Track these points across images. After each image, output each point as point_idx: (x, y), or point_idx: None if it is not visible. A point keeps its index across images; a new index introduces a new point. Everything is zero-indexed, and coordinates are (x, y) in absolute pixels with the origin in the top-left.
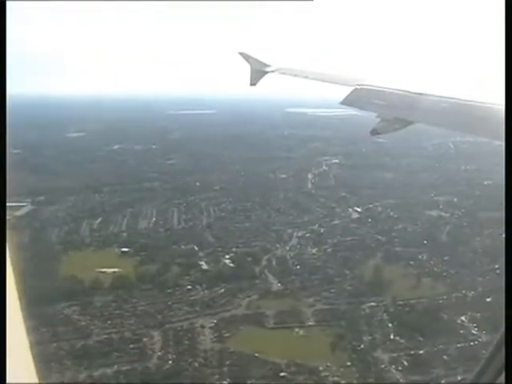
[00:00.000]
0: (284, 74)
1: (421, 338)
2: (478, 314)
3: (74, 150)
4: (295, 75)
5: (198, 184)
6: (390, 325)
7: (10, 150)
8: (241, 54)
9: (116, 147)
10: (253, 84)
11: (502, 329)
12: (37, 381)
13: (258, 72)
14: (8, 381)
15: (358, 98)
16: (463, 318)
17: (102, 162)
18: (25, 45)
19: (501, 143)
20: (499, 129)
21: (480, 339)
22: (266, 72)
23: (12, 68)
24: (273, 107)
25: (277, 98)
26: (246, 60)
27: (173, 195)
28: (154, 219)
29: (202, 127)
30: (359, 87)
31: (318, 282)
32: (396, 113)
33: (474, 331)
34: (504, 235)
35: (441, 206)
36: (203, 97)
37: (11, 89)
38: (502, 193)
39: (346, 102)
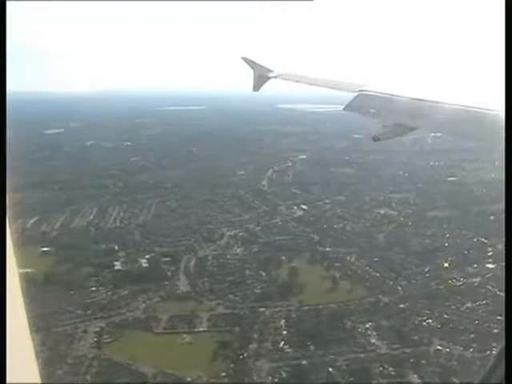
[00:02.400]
0: (287, 79)
1: (312, 347)
2: (385, 322)
3: (45, 147)
4: (298, 81)
5: (151, 181)
6: (284, 332)
7: None
8: (244, 59)
9: (88, 143)
10: (256, 89)
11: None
12: (38, 381)
13: (262, 77)
14: (8, 381)
15: (359, 104)
16: (368, 325)
17: (66, 159)
18: (24, 42)
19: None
20: (500, 135)
21: (378, 350)
22: (269, 77)
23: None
24: (265, 103)
25: (272, 95)
26: (250, 65)
27: (121, 193)
28: (91, 217)
29: (183, 123)
30: (362, 93)
31: (227, 285)
32: (397, 119)
33: (373, 341)
34: (504, 235)
35: (392, 204)
36: (198, 93)
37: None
38: (460, 189)
39: (349, 107)
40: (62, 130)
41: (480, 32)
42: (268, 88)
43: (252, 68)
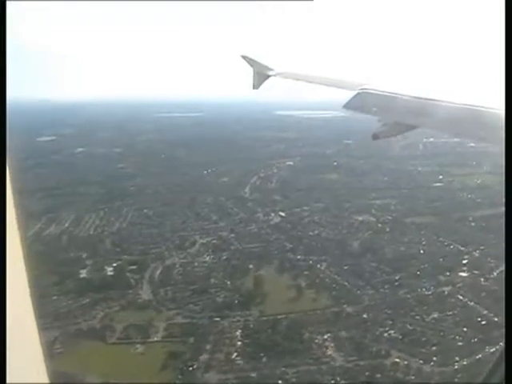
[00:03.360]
0: (287, 78)
1: (264, 359)
2: (345, 333)
3: (34, 154)
4: (298, 79)
5: (132, 188)
6: (239, 343)
7: None
8: (244, 57)
9: (78, 150)
10: (255, 87)
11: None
12: (38, 381)
13: (261, 76)
14: (8, 381)
15: (360, 102)
16: (326, 336)
17: (52, 167)
18: (24, 44)
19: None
20: (500, 133)
21: (332, 362)
22: (269, 76)
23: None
24: (264, 110)
25: (271, 101)
26: (249, 63)
27: (101, 200)
28: (66, 225)
29: (178, 129)
30: (362, 91)
31: (190, 294)
32: (397, 117)
33: (329, 352)
34: (504, 235)
35: (372, 211)
36: (198, 100)
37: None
38: (445, 195)
39: (349, 106)
40: (54, 137)
41: (480, 30)
42: (267, 94)
43: (251, 66)
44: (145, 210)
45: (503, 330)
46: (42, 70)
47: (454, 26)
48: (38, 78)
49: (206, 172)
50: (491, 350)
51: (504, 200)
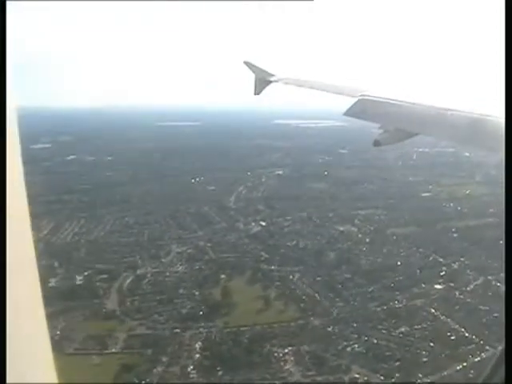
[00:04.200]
0: (288, 83)
1: (220, 373)
2: (308, 347)
3: (25, 161)
4: (300, 85)
5: (117, 197)
6: (197, 355)
7: None
8: (245, 63)
9: (69, 158)
10: (257, 93)
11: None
12: (38, 381)
13: (263, 81)
14: (8, 381)
15: (361, 109)
16: (288, 349)
17: (40, 174)
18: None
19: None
20: (501, 140)
21: (289, 377)
22: (271, 81)
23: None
24: (262, 118)
25: (271, 110)
26: (251, 69)
27: (83, 208)
28: (44, 232)
29: (174, 138)
30: (363, 98)
31: (156, 304)
32: (398, 124)
33: (287, 367)
34: (504, 235)
35: (355, 221)
36: (199, 108)
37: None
38: (431, 205)
39: (350, 113)
40: (49, 145)
41: (481, 37)
42: (267, 103)
43: (253, 72)
44: (126, 219)
45: (472, 346)
46: (42, 75)
47: (456, 32)
48: (38, 83)
49: (193, 180)
50: (457, 367)
51: (504, 200)
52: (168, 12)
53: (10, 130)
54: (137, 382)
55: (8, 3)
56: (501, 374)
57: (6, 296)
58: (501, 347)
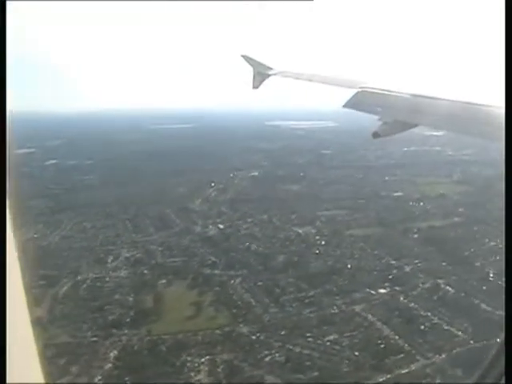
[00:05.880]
0: (286, 76)
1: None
2: (226, 356)
3: None
4: (298, 78)
5: (83, 201)
6: (109, 365)
7: None
8: (243, 56)
9: (49, 163)
10: (255, 87)
11: (503, 334)
12: (38, 381)
13: (261, 75)
14: (8, 381)
15: (359, 100)
16: (204, 359)
17: (15, 179)
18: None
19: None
20: (500, 130)
21: None
22: (269, 75)
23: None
24: (256, 120)
25: (265, 111)
26: (249, 63)
27: (46, 213)
28: None
29: (161, 140)
30: (361, 90)
31: (85, 311)
32: (397, 115)
33: (199, 377)
34: (504, 236)
35: (317, 223)
36: (193, 110)
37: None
38: (400, 205)
39: (348, 105)
40: (33, 149)
41: (480, 27)
42: (263, 104)
43: (251, 66)
44: (84, 223)
45: (401, 356)
46: (39, 78)
47: (453, 22)
48: (34, 86)
49: (166, 183)
50: (380, 379)
51: (504, 199)
52: (162, 13)
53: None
54: (137, 382)
55: (8, 3)
56: (499, 369)
57: (6, 296)
58: (499, 339)
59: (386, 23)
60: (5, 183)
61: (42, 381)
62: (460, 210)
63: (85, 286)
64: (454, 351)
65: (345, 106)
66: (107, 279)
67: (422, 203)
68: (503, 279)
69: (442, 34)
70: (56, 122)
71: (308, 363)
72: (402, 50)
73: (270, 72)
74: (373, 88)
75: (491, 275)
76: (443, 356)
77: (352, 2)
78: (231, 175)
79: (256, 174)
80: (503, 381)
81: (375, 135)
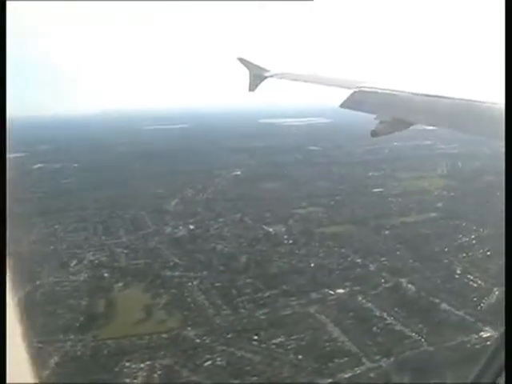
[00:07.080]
0: (283, 78)
1: None
2: (167, 361)
3: None
4: (294, 79)
5: (60, 204)
6: (46, 372)
7: None
8: (239, 59)
9: (36, 167)
10: (252, 89)
11: (502, 329)
12: (38, 381)
13: (257, 77)
14: (8, 381)
15: (357, 100)
16: (144, 364)
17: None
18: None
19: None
20: (499, 128)
21: None
22: (265, 77)
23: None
24: (250, 118)
25: (264, 109)
26: (245, 65)
27: (22, 217)
28: None
29: (154, 141)
30: (358, 90)
31: (35, 317)
32: (395, 114)
33: (135, 382)
34: (504, 236)
35: (290, 221)
36: (188, 110)
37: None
38: (378, 201)
39: (345, 104)
40: (24, 154)
41: (479, 26)
42: (259, 102)
43: (248, 68)
44: (56, 226)
45: (346, 359)
46: (39, 79)
47: (452, 21)
48: (34, 86)
49: (146, 185)
50: None
51: (504, 198)
52: (157, 13)
53: None
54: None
55: (8, 3)
56: (498, 367)
57: (6, 298)
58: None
59: (385, 23)
60: (5, 183)
61: (42, 381)
62: (438, 205)
63: (42, 290)
64: (404, 354)
65: (341, 105)
66: (65, 283)
67: (400, 199)
68: (469, 276)
69: (439, 33)
70: (53, 124)
71: (247, 368)
72: (399, 48)
73: (267, 74)
74: (370, 87)
75: (458, 272)
76: (391, 359)
77: (352, 2)
78: (213, 175)
79: (239, 173)
80: (503, 377)
81: (373, 134)
